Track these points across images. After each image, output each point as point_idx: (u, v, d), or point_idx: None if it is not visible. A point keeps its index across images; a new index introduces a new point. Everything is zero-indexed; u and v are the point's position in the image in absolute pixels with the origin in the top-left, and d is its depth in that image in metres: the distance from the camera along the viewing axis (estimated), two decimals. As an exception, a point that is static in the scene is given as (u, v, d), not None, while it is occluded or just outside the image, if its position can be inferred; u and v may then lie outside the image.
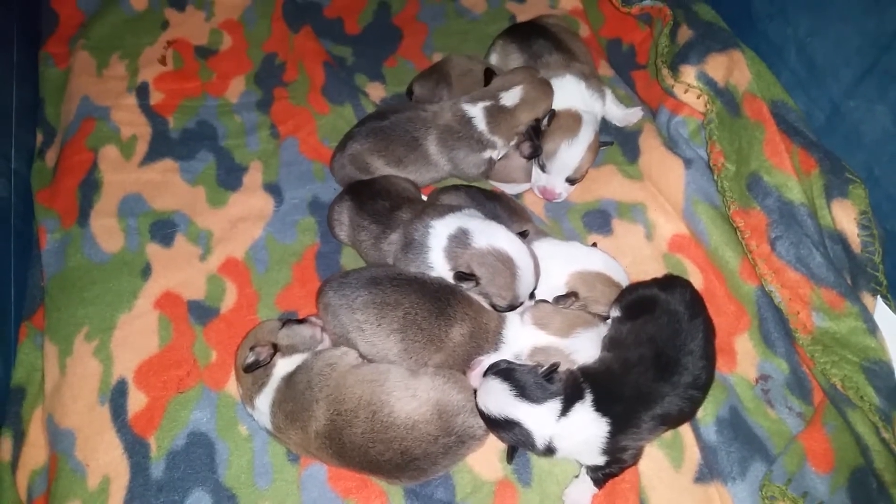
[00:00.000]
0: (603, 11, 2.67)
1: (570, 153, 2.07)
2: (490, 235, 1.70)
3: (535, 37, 2.37)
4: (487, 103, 2.08)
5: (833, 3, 1.85)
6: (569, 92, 2.18)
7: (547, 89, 2.12)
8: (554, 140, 2.08)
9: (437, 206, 1.85)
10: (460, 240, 1.72)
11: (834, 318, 1.68)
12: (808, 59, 1.94)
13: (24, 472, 1.77)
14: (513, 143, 2.11)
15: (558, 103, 2.13)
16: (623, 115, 2.32)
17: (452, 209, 1.82)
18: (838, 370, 1.64)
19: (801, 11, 1.96)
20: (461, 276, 1.70)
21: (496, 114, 2.07)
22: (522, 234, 1.78)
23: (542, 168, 2.11)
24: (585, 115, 2.12)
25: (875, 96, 1.74)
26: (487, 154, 2.09)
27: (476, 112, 2.07)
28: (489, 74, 2.18)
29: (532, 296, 1.76)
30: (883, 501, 1.55)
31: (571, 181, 2.13)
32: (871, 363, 1.62)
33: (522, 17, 2.77)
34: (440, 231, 1.75)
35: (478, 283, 1.69)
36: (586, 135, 2.08)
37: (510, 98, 2.07)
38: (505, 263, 1.67)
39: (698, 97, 2.07)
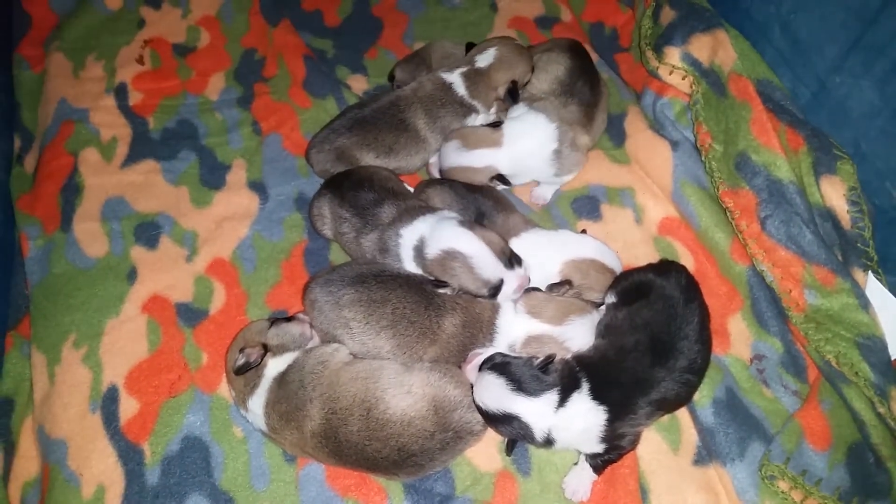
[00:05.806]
0: (584, -5, 2.65)
1: (453, 158, 1.98)
2: (436, 240, 1.71)
3: (589, 79, 2.11)
4: (464, 69, 2.12)
5: (816, -22, 1.84)
6: (532, 127, 1.99)
7: (523, 51, 2.15)
8: (457, 140, 1.99)
9: (409, 210, 1.83)
10: (420, 250, 1.74)
11: (826, 295, 1.68)
12: (793, 37, 1.93)
13: (16, 484, 1.74)
14: (493, 109, 2.14)
15: (515, 134, 1.98)
16: (540, 191, 2.15)
17: (422, 213, 1.81)
18: (832, 347, 1.64)
19: (783, -12, 1.95)
20: (434, 284, 1.70)
21: (473, 77, 2.11)
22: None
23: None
24: (507, 155, 1.96)
25: (861, 71, 1.73)
26: (471, 121, 2.11)
27: (454, 78, 2.12)
28: (469, 47, 2.20)
29: (512, 263, 1.69)
30: (880, 475, 1.56)
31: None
32: (864, 339, 1.62)
33: (503, 4, 2.75)
34: (407, 241, 1.77)
35: (449, 287, 1.69)
36: (480, 158, 1.95)
37: (485, 59, 2.12)
38: (457, 260, 1.67)
39: (683, 78, 2.07)
